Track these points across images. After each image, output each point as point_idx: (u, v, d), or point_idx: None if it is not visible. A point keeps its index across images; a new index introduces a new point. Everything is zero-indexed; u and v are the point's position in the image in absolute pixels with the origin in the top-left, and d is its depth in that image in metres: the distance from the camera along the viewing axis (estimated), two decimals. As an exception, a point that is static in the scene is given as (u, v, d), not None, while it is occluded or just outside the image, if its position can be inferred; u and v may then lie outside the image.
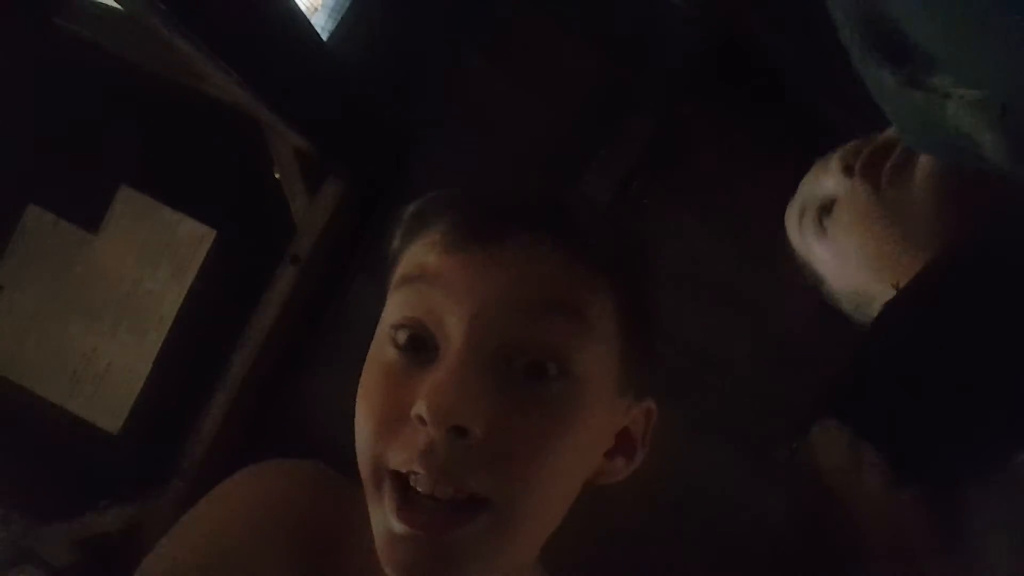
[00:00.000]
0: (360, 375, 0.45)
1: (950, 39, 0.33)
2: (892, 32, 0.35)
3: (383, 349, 0.43)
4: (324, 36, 1.54)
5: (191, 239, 1.45)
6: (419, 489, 0.39)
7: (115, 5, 1.26)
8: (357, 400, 0.44)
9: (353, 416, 0.44)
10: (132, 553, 1.41)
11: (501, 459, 0.39)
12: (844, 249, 0.73)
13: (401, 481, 0.40)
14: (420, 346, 0.41)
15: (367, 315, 1.69)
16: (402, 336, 0.42)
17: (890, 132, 0.67)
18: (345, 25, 1.57)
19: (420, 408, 0.38)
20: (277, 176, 1.40)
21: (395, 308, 0.43)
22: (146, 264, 1.45)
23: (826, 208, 0.73)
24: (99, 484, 1.41)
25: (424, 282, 0.42)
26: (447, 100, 1.57)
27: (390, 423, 0.40)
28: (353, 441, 0.44)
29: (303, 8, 1.49)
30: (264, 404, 1.51)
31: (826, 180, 0.73)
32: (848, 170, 0.68)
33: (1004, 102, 0.32)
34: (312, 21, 1.48)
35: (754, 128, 1.52)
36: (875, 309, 0.71)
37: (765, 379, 1.53)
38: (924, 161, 0.62)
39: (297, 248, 1.41)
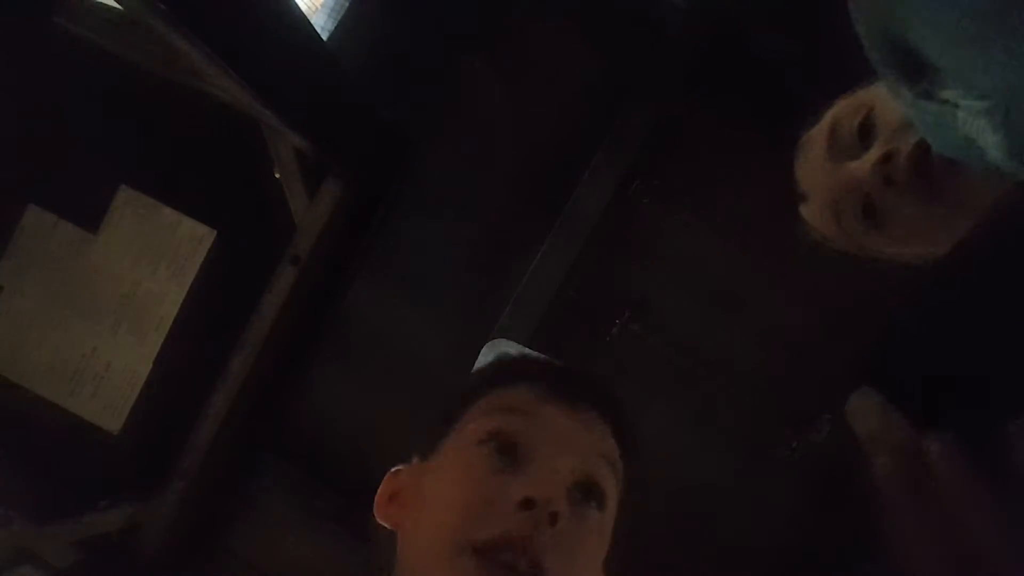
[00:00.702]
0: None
1: (955, 55, 0.38)
2: (906, 51, 0.40)
3: (473, 449, 0.57)
4: (324, 36, 1.54)
5: (191, 239, 1.45)
6: (502, 559, 0.50)
7: (115, 5, 1.26)
8: (441, 488, 0.57)
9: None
10: (132, 553, 1.41)
11: (564, 550, 0.52)
12: (904, 236, 0.74)
13: (482, 554, 0.50)
14: (506, 452, 0.56)
15: (367, 315, 1.69)
16: (495, 444, 0.56)
17: (894, 121, 0.67)
18: (345, 25, 1.57)
19: (531, 492, 0.51)
20: (277, 176, 1.41)
21: (493, 423, 0.58)
22: (146, 264, 1.45)
23: (869, 207, 0.72)
24: (99, 484, 1.41)
25: (526, 415, 0.58)
26: (447, 100, 1.57)
27: (478, 506, 0.53)
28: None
29: (303, 8, 1.49)
30: (264, 404, 1.51)
31: (852, 181, 0.73)
32: (888, 180, 0.68)
33: (1004, 110, 0.37)
34: (312, 21, 1.48)
35: (754, 127, 1.52)
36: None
37: (765, 378, 1.53)
38: None
39: (297, 248, 1.41)
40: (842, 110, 0.75)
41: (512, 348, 0.93)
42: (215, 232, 1.45)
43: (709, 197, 1.54)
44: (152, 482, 1.42)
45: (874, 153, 0.69)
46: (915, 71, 0.40)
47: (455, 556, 0.50)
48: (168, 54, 1.35)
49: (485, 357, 0.92)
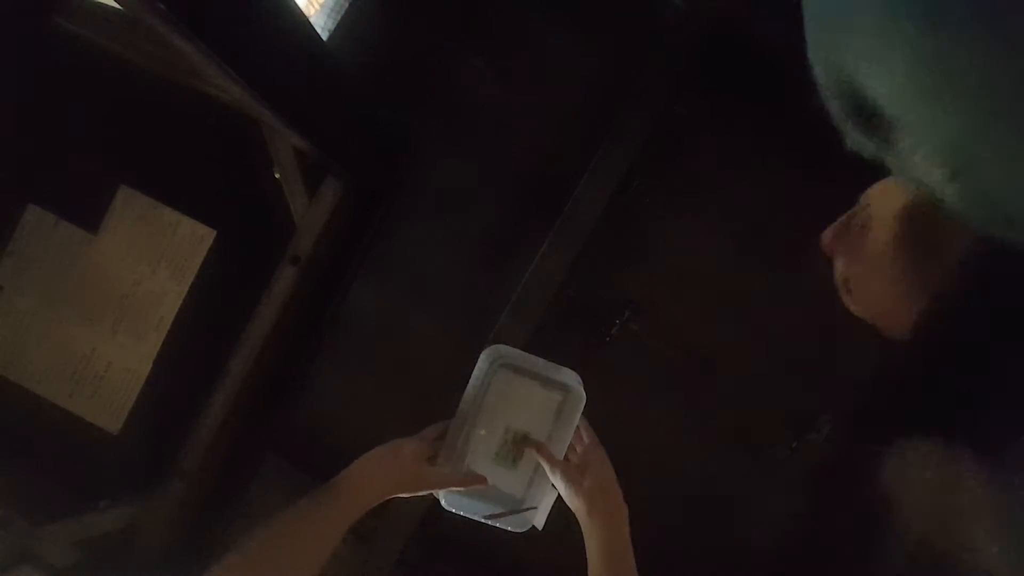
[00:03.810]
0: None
1: (905, 106, 0.35)
2: (861, 99, 0.38)
3: None
4: (324, 36, 1.54)
5: (191, 239, 1.45)
6: None
7: (115, 5, 1.26)
8: None
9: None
10: (132, 553, 1.41)
11: None
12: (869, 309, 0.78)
13: None
14: None
15: (367, 315, 1.69)
16: None
17: None
18: (345, 25, 1.57)
19: None
20: (277, 176, 1.41)
21: None
22: (146, 264, 1.45)
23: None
24: (99, 484, 1.41)
25: None
26: (447, 100, 1.57)
27: None
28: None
29: (303, 8, 1.49)
30: (264, 404, 1.51)
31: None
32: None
33: (956, 167, 0.35)
34: (312, 21, 1.48)
35: (753, 127, 1.52)
36: None
37: (765, 378, 1.53)
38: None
39: (297, 248, 1.41)
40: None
41: (512, 354, 0.92)
42: (215, 232, 1.45)
43: (709, 197, 1.54)
44: (152, 482, 1.42)
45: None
46: (871, 121, 0.38)
47: None
48: (168, 54, 1.35)
49: (484, 362, 0.91)
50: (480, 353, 0.92)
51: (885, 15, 0.32)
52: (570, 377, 0.91)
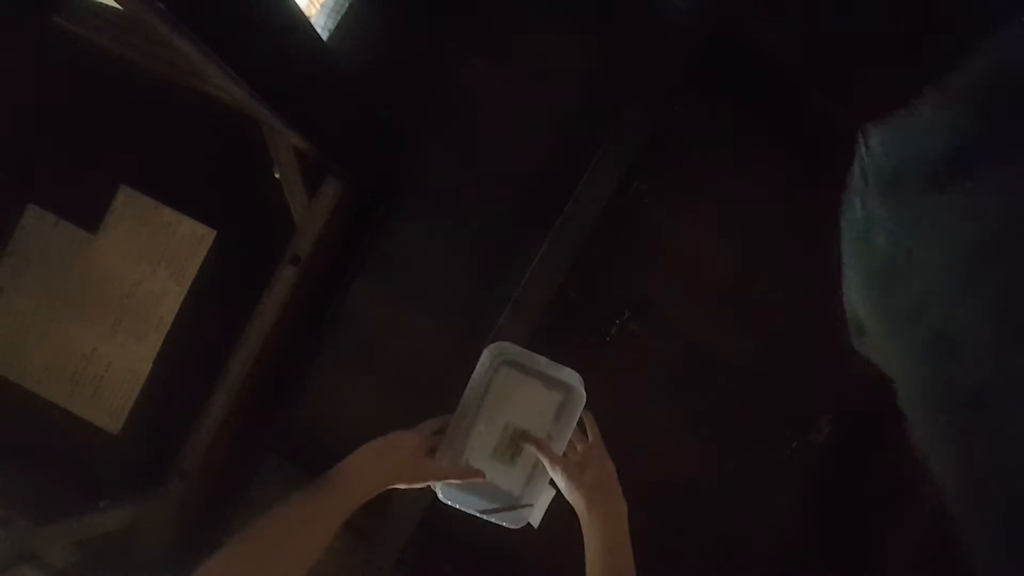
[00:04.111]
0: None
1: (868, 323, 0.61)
2: (857, 314, 0.63)
3: None
4: (324, 36, 1.55)
5: (191, 239, 1.45)
6: None
7: (115, 5, 1.26)
8: None
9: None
10: (132, 553, 1.41)
11: None
12: None
13: None
14: None
15: (367, 315, 1.68)
16: None
17: None
18: (345, 25, 1.57)
19: None
20: (277, 176, 1.41)
21: None
22: (146, 264, 1.45)
23: None
24: (99, 484, 1.41)
25: None
26: (446, 100, 1.57)
27: None
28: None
29: (303, 8, 1.49)
30: (264, 404, 1.51)
31: None
32: None
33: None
34: (312, 21, 1.48)
35: (753, 127, 1.52)
36: None
37: (765, 378, 1.53)
38: None
39: (297, 248, 1.41)
40: None
41: (515, 351, 0.92)
42: (215, 232, 1.45)
43: (709, 197, 1.54)
44: (152, 482, 1.42)
45: None
46: (861, 330, 0.65)
47: None
48: (168, 54, 1.35)
49: (487, 359, 0.91)
50: (481, 352, 0.92)
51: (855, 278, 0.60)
52: (572, 377, 0.91)
